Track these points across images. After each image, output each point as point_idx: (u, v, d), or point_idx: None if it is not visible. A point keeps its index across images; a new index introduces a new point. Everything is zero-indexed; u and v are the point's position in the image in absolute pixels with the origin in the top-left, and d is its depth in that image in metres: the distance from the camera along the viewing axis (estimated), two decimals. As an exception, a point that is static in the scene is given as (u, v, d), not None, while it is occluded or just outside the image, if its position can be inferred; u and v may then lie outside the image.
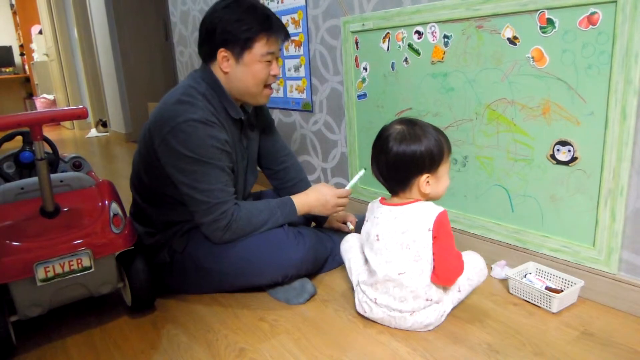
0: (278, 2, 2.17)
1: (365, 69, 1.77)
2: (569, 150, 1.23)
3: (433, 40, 1.50)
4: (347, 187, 1.50)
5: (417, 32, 1.54)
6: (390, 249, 1.12)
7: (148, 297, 1.29)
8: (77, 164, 1.43)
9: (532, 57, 1.26)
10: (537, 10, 1.22)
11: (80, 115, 1.13)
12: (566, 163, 1.25)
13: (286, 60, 2.21)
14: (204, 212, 1.27)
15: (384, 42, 1.67)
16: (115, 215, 1.21)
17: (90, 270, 1.16)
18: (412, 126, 1.11)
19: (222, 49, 1.31)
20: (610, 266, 1.21)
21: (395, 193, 1.17)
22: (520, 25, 1.27)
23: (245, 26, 1.28)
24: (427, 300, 1.12)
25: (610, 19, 1.09)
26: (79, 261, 1.13)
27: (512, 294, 1.31)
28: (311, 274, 1.44)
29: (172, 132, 1.24)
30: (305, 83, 2.13)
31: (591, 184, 1.21)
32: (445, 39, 1.46)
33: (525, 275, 1.33)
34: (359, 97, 1.83)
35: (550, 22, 1.20)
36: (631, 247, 1.18)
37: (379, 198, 1.20)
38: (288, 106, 2.28)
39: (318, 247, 1.41)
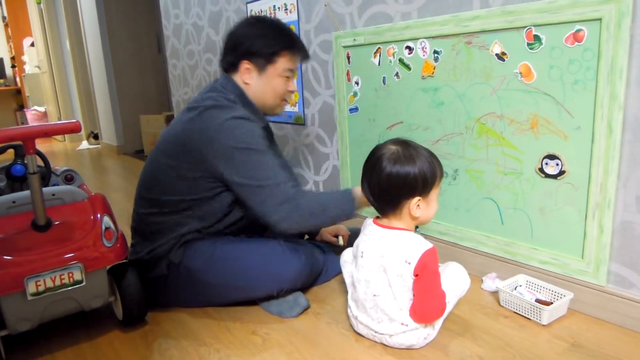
0: (271, 17, 2.20)
1: (356, 83, 1.80)
2: (557, 164, 1.26)
3: (423, 55, 1.52)
4: None
5: (408, 47, 1.56)
6: (371, 269, 1.12)
7: (140, 311, 1.29)
8: (69, 177, 1.43)
9: (520, 73, 1.28)
10: (524, 27, 1.25)
11: (74, 129, 1.13)
12: (554, 176, 1.27)
13: (279, 74, 2.23)
14: (270, 196, 1.25)
15: (375, 56, 1.69)
16: (107, 228, 1.21)
17: (82, 284, 1.15)
18: (406, 147, 1.09)
19: (245, 61, 1.38)
20: (599, 278, 1.22)
21: (384, 214, 1.15)
22: (508, 42, 1.30)
23: (271, 41, 1.38)
24: (402, 324, 1.10)
25: (595, 36, 1.12)
26: (70, 275, 1.13)
27: (502, 306, 1.32)
28: (305, 288, 1.44)
29: (221, 131, 1.27)
30: (297, 96, 2.14)
31: (579, 197, 1.23)
32: (435, 54, 1.48)
33: (516, 288, 1.34)
34: (351, 110, 1.85)
35: (537, 38, 1.23)
36: (619, 260, 1.19)
37: (374, 217, 1.19)
38: (280, 119, 2.29)
39: (313, 261, 1.42)
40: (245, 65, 1.38)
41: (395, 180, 1.07)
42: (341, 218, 1.33)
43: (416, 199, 1.09)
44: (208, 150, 1.28)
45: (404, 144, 1.11)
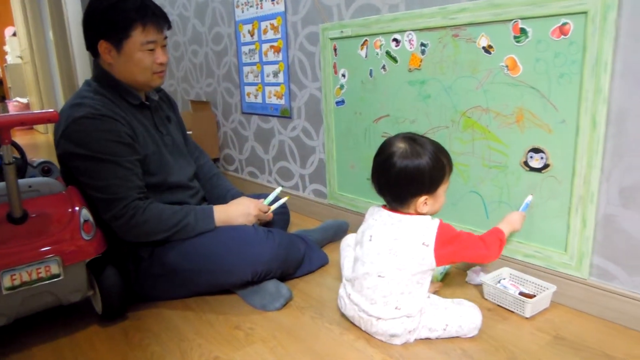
0: (257, 8, 2.17)
1: (343, 75, 1.78)
2: (542, 158, 1.26)
3: (410, 48, 1.51)
4: (265, 203, 1.53)
5: (395, 39, 1.55)
6: (379, 251, 1.12)
7: (119, 305, 1.26)
8: (46, 169, 1.39)
9: (506, 66, 1.28)
10: (511, 20, 1.24)
11: (51, 119, 1.10)
12: (539, 170, 1.27)
13: (265, 66, 2.21)
14: (104, 209, 1.26)
15: (362, 49, 1.67)
16: (85, 221, 1.18)
17: (59, 278, 1.12)
18: (415, 144, 1.09)
19: (101, 41, 1.30)
20: (581, 271, 1.23)
21: (393, 208, 1.16)
22: (494, 35, 1.29)
23: (120, 15, 1.28)
24: (396, 308, 1.10)
25: (580, 30, 1.12)
26: (47, 269, 1.10)
27: (486, 299, 1.32)
28: (284, 277, 1.43)
29: (63, 135, 1.25)
30: (283, 89, 2.12)
31: (563, 191, 1.23)
32: (422, 47, 1.47)
33: (500, 281, 1.34)
34: (337, 103, 1.84)
35: (523, 31, 1.23)
36: (601, 253, 1.20)
37: (382, 204, 1.20)
38: (267, 112, 2.27)
39: (289, 246, 1.41)
40: (102, 45, 1.30)
41: (404, 178, 1.08)
42: (191, 233, 1.33)
43: (424, 197, 1.10)
44: (58, 157, 1.30)
45: (413, 140, 1.10)
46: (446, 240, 1.09)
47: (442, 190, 1.13)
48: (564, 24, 1.15)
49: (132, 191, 1.27)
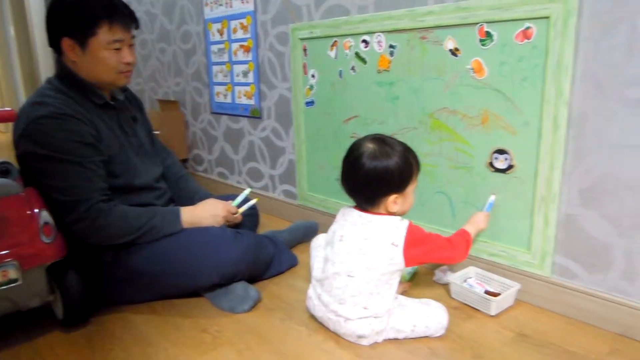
0: (227, 6, 2.15)
1: (313, 76, 1.78)
2: (506, 159, 1.28)
3: (379, 49, 1.52)
4: (233, 204, 1.52)
5: (364, 41, 1.56)
6: (349, 251, 1.13)
7: (81, 310, 1.22)
8: (4, 170, 1.34)
9: (472, 69, 1.30)
10: (477, 23, 1.26)
11: (8, 118, 1.06)
12: (503, 171, 1.30)
13: (234, 66, 2.18)
14: (66, 211, 1.22)
15: (331, 49, 1.68)
16: (45, 224, 1.14)
17: (18, 283, 1.08)
18: (384, 145, 1.11)
19: (65, 38, 1.26)
20: (544, 269, 1.26)
21: (364, 209, 1.17)
22: (461, 38, 1.31)
23: (86, 12, 1.24)
24: (364, 308, 1.11)
25: (543, 34, 1.15)
26: (5, 273, 1.06)
27: (453, 298, 1.34)
28: (253, 278, 1.42)
29: (23, 134, 1.21)
30: (253, 89, 2.11)
31: (526, 191, 1.26)
32: (391, 49, 1.48)
33: (466, 280, 1.37)
34: (307, 104, 1.83)
35: (489, 35, 1.25)
36: (563, 251, 1.23)
37: (353, 205, 1.20)
38: (236, 112, 2.24)
39: (258, 247, 1.40)
40: (66, 42, 1.26)
41: (373, 178, 1.10)
42: (157, 236, 1.30)
43: (393, 196, 1.11)
44: (17, 158, 1.25)
45: (382, 141, 1.12)
46: (415, 241, 1.11)
47: (410, 189, 1.15)
48: (527, 28, 1.17)
49: (96, 193, 1.23)
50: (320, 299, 1.18)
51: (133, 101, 1.54)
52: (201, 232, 1.32)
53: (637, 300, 1.12)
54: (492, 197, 1.32)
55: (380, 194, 1.12)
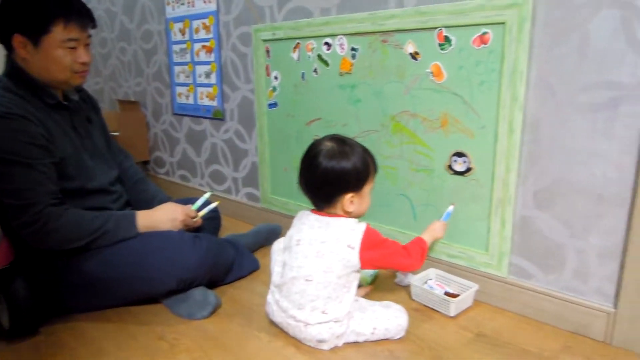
0: (189, 6, 2.11)
1: (276, 77, 1.76)
2: (465, 161, 1.30)
3: (341, 52, 1.52)
4: (193, 208, 1.48)
5: (326, 43, 1.55)
6: (306, 255, 1.12)
7: (29, 319, 1.17)
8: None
9: (432, 72, 1.32)
10: (436, 27, 1.28)
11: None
12: (462, 173, 1.32)
13: (197, 66, 2.14)
14: (14, 215, 1.16)
15: (294, 51, 1.67)
16: (-11, 229, 1.08)
17: (-42, 292, 1.02)
18: (342, 144, 1.12)
19: (17, 35, 1.20)
20: (501, 270, 1.28)
21: (320, 208, 1.16)
22: (421, 42, 1.32)
23: (40, 8, 1.19)
24: (323, 313, 1.10)
25: (499, 39, 1.17)
26: (-57, 282, 1.00)
27: (414, 300, 1.35)
28: (213, 283, 1.39)
29: None
30: (216, 90, 2.07)
31: (484, 193, 1.28)
32: (353, 51, 1.49)
33: (427, 282, 1.38)
34: (270, 106, 1.82)
35: (447, 39, 1.27)
36: (519, 252, 1.26)
37: (311, 209, 1.19)
38: (199, 113, 2.20)
39: (218, 252, 1.37)
40: (17, 39, 1.20)
41: (330, 176, 1.10)
42: (111, 240, 1.26)
43: (350, 195, 1.11)
44: None
45: (340, 140, 1.13)
46: (371, 244, 1.11)
47: (367, 190, 1.15)
48: (484, 33, 1.20)
49: (46, 196, 1.18)
50: (279, 304, 1.16)
51: (88, 102, 1.49)
52: (157, 237, 1.29)
53: (588, 299, 1.16)
54: (451, 207, 1.34)
55: (337, 193, 1.12)
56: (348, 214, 1.14)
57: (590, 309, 1.15)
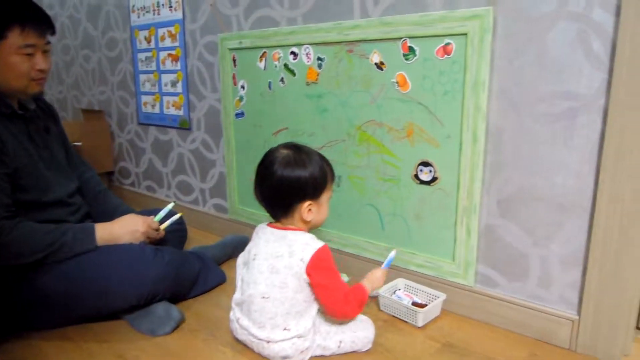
0: (154, 14, 2.07)
1: (242, 87, 1.74)
2: (430, 171, 1.31)
3: (308, 61, 1.51)
4: (156, 219, 1.45)
5: (293, 52, 1.55)
6: (261, 270, 1.09)
7: (-21, 339, 1.11)
8: None
9: (397, 82, 1.32)
10: (400, 38, 1.29)
11: None
12: (428, 183, 1.32)
13: (163, 75, 2.11)
14: None
15: (260, 61, 1.65)
16: None
17: None
18: (298, 152, 1.09)
19: None
20: (467, 279, 1.29)
21: (277, 218, 1.14)
22: (386, 52, 1.33)
23: None
24: (285, 329, 1.07)
25: (461, 50, 1.19)
26: None
27: (382, 310, 1.34)
28: (177, 298, 1.35)
29: None
30: (182, 99, 2.04)
31: (449, 203, 1.29)
32: (319, 61, 1.48)
33: (395, 292, 1.37)
34: (237, 115, 1.79)
35: (411, 50, 1.28)
36: (485, 261, 1.27)
37: (268, 222, 1.16)
38: (165, 123, 2.16)
39: (181, 265, 1.33)
40: None
41: (287, 184, 1.07)
42: (68, 254, 1.21)
43: (307, 203, 1.09)
44: None
45: (296, 148, 1.11)
46: (319, 266, 1.06)
47: (325, 198, 1.13)
48: (447, 44, 1.21)
49: None
50: (239, 322, 1.13)
51: (47, 111, 1.44)
52: (116, 250, 1.24)
53: (552, 307, 1.17)
54: (393, 253, 1.26)
55: (294, 202, 1.09)
56: (306, 224, 1.12)
57: (554, 317, 1.16)
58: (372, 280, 1.19)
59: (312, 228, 1.15)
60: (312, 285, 1.07)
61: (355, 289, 1.14)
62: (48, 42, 1.25)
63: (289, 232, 1.10)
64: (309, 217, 1.10)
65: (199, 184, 2.08)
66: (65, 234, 1.21)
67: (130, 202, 2.42)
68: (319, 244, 1.08)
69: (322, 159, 1.13)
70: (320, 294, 1.08)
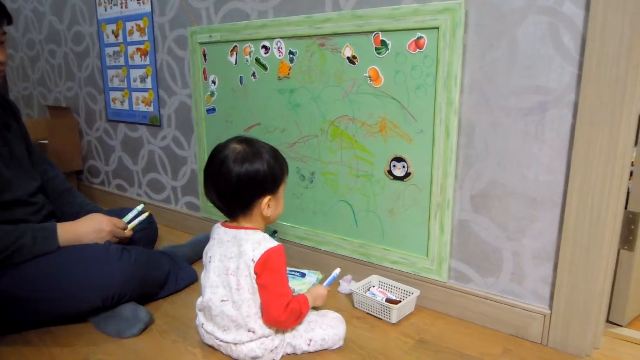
0: (122, 7, 2.01)
1: (213, 82, 1.70)
2: (404, 166, 1.30)
3: (279, 55, 1.48)
4: (124, 220, 1.41)
5: (264, 46, 1.51)
6: (218, 273, 1.06)
7: None
8: None
9: (369, 77, 1.30)
10: (372, 31, 1.27)
11: None
12: (401, 178, 1.31)
13: (131, 70, 2.05)
14: None
15: (231, 55, 1.61)
16: None
17: None
18: (251, 145, 1.05)
19: None
20: (441, 275, 1.28)
21: (235, 217, 1.09)
22: (358, 46, 1.31)
23: None
24: (249, 331, 1.04)
25: (433, 44, 1.17)
26: None
27: (356, 307, 1.32)
28: (146, 298, 1.31)
29: None
30: (152, 95, 1.98)
31: (423, 198, 1.28)
32: (291, 55, 1.45)
33: (369, 289, 1.36)
34: (208, 111, 1.75)
35: (384, 43, 1.26)
36: (458, 256, 1.26)
37: (223, 221, 1.12)
38: (134, 120, 2.10)
39: (149, 264, 1.29)
40: None
41: (246, 180, 1.02)
42: (28, 256, 1.15)
43: (267, 198, 1.05)
44: None
45: (247, 141, 1.06)
46: (268, 267, 1.01)
47: (282, 190, 1.10)
48: (419, 38, 1.19)
49: None
50: (204, 327, 1.10)
51: (7, 107, 1.37)
52: (79, 250, 1.19)
53: (525, 301, 1.17)
54: (337, 271, 1.24)
55: (254, 198, 1.04)
56: (265, 220, 1.08)
57: (527, 311, 1.16)
58: (315, 297, 1.15)
59: (269, 223, 1.12)
60: (258, 285, 1.02)
61: (299, 299, 1.07)
62: (4, 33, 1.20)
63: (241, 232, 1.05)
64: (268, 212, 1.06)
65: (171, 181, 2.03)
66: (24, 235, 1.15)
67: (100, 201, 2.36)
68: (272, 244, 1.03)
69: (275, 150, 1.09)
70: (262, 296, 1.02)
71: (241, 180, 1.01)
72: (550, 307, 1.13)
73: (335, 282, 1.43)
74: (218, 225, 1.12)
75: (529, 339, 1.17)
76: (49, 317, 1.20)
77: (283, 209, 1.13)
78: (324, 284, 1.21)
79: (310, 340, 1.09)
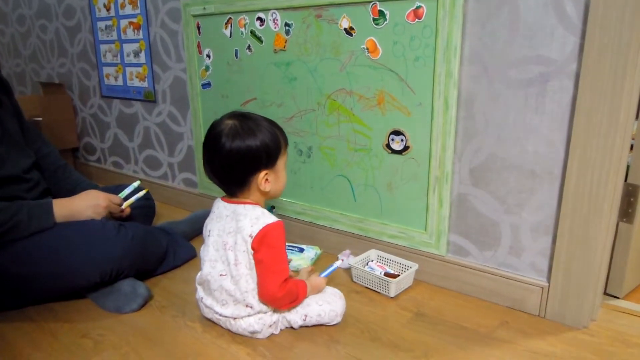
0: (113, -21, 1.95)
1: (208, 56, 1.67)
2: (402, 140, 1.28)
3: (275, 27, 1.45)
4: (120, 196, 1.40)
5: (259, 18, 1.48)
6: (217, 248, 1.05)
7: None
8: None
9: (367, 48, 1.28)
10: (370, 1, 1.24)
11: None
12: (400, 152, 1.29)
13: (124, 45, 2.00)
14: None
15: (226, 27, 1.58)
16: None
17: None
18: (244, 120, 1.02)
19: None
20: (439, 249, 1.28)
21: (233, 194, 1.07)
22: (355, 16, 1.28)
23: None
24: (247, 306, 1.04)
25: (433, 14, 1.14)
26: None
27: (355, 282, 1.33)
28: (145, 274, 1.31)
29: None
30: (146, 70, 1.95)
31: (421, 172, 1.27)
32: (287, 27, 1.42)
33: (368, 263, 1.36)
34: (203, 86, 1.72)
35: (381, 14, 1.23)
36: (456, 230, 1.26)
37: (223, 196, 1.11)
38: (129, 95, 2.07)
39: (146, 240, 1.28)
40: None
41: (238, 156, 1.00)
42: (24, 233, 1.14)
43: (263, 173, 1.03)
44: None
45: (242, 116, 1.03)
46: (266, 242, 1.00)
47: (281, 164, 1.07)
48: (418, 7, 1.16)
49: None
50: (204, 302, 1.10)
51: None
52: (76, 226, 1.18)
53: (522, 274, 1.18)
54: (337, 263, 1.23)
55: (249, 173, 1.02)
56: (265, 195, 1.07)
57: (525, 284, 1.16)
58: (313, 286, 1.13)
59: (272, 198, 1.10)
60: (255, 261, 1.01)
61: (297, 284, 1.07)
62: None
63: (240, 206, 1.04)
64: (267, 187, 1.05)
65: (167, 158, 2.01)
66: (20, 212, 1.14)
67: (96, 178, 2.35)
68: (271, 219, 1.02)
69: (272, 123, 1.06)
70: (258, 272, 1.02)
71: (232, 157, 1.00)
72: (548, 279, 1.13)
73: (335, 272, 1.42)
74: (219, 199, 1.11)
75: (526, 312, 1.18)
76: (47, 293, 1.20)
77: (285, 183, 1.11)
78: (323, 274, 1.19)
79: (306, 315, 1.08)
